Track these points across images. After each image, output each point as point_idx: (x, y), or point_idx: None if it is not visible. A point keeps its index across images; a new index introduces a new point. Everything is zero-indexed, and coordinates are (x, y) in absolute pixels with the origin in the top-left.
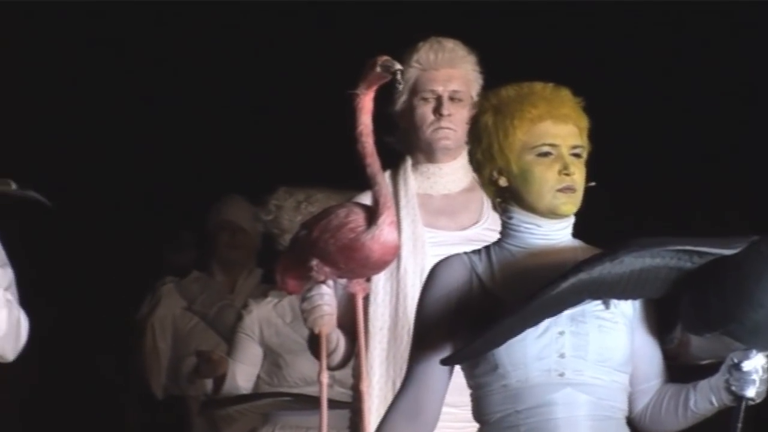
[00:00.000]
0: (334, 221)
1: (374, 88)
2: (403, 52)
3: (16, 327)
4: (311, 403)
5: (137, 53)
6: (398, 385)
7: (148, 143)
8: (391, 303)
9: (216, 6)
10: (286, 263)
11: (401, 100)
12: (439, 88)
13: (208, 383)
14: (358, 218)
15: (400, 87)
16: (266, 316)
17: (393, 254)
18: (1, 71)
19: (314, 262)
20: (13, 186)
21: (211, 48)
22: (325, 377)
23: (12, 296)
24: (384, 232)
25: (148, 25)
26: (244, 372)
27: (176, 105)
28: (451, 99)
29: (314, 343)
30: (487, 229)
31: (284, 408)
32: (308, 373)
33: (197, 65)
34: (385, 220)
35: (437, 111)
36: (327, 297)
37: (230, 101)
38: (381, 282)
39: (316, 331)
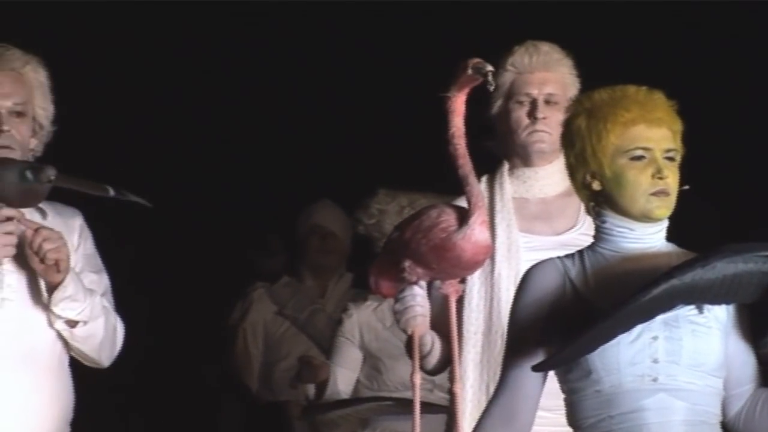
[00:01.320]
0: (426, 221)
1: (466, 90)
2: (499, 54)
3: (113, 334)
4: (411, 407)
5: (227, 59)
6: (492, 389)
7: (239, 148)
8: (486, 308)
9: (311, 7)
10: (380, 265)
11: (497, 104)
12: (534, 92)
13: (310, 388)
14: (450, 218)
15: (492, 89)
16: (366, 320)
17: (485, 254)
18: (97, 76)
19: (407, 263)
20: (111, 192)
21: (301, 51)
22: (418, 378)
23: (108, 303)
24: (475, 231)
25: (239, 27)
26: (345, 376)
27: (266, 109)
28: (547, 102)
29: (410, 345)
30: (582, 234)
31: (385, 412)
32: (408, 378)
33: (287, 69)
34: (477, 219)
35: (532, 114)
36: (419, 298)
37: (321, 104)
38: (476, 287)
39: (409, 331)
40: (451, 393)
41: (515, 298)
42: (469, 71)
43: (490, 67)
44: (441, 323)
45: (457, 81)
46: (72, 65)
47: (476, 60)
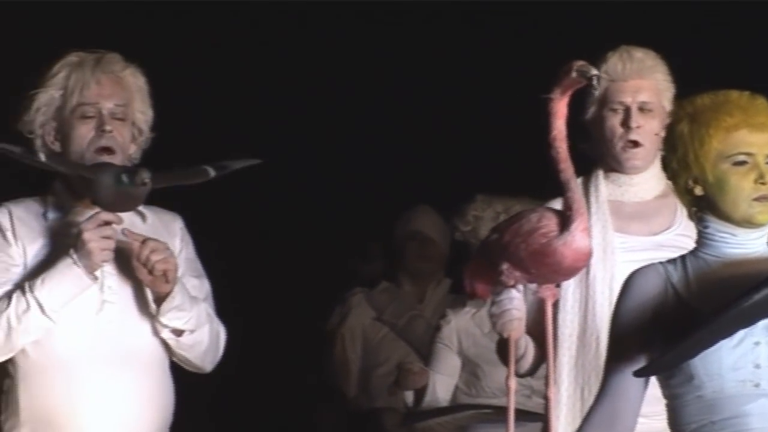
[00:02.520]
0: (526, 226)
1: (569, 93)
2: (595, 58)
3: (216, 340)
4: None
5: (329, 68)
6: (586, 392)
7: (339, 154)
8: (581, 310)
9: (420, 15)
10: (476, 267)
11: (591, 111)
12: (628, 99)
13: (409, 395)
14: (551, 223)
15: (596, 92)
16: (464, 326)
17: (585, 261)
18: (209, 79)
19: (505, 267)
20: (212, 172)
21: (404, 58)
22: (513, 382)
23: (210, 308)
24: (576, 238)
25: (349, 33)
26: (443, 383)
27: (367, 116)
28: (641, 110)
29: (503, 348)
30: (679, 234)
31: (483, 420)
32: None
33: (389, 76)
34: (578, 226)
35: (626, 123)
36: (516, 302)
37: (421, 110)
38: (570, 288)
39: (505, 335)
40: (546, 397)
41: (617, 303)
42: (574, 74)
43: (594, 71)
44: (535, 326)
45: (561, 83)
46: (166, 68)
47: (581, 63)
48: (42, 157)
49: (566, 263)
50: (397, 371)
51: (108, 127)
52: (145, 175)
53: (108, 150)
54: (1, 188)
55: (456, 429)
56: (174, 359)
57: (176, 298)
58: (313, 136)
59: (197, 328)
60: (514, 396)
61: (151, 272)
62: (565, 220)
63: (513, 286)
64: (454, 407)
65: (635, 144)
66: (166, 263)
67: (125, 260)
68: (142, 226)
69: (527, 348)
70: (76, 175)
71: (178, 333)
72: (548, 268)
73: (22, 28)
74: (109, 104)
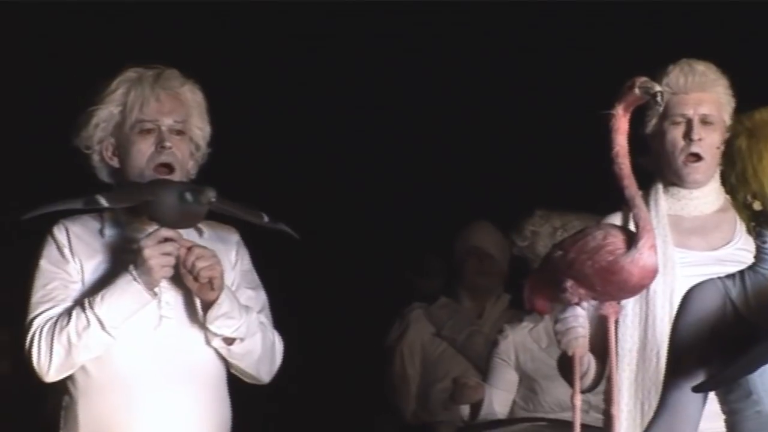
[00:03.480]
0: (592, 243)
1: (631, 109)
2: (656, 73)
3: (271, 350)
4: (566, 428)
5: (384, 84)
6: (646, 407)
7: (396, 170)
8: (641, 325)
9: (475, 29)
10: (536, 283)
11: (651, 123)
12: (690, 112)
13: (465, 409)
14: (617, 240)
15: (660, 109)
16: (522, 341)
17: (651, 278)
18: (264, 93)
19: (569, 284)
20: (265, 218)
21: (458, 73)
22: (578, 400)
23: (266, 319)
24: (644, 255)
25: (399, 50)
26: (500, 398)
27: (424, 131)
28: (702, 123)
29: (565, 365)
30: (739, 249)
31: None
32: (564, 399)
33: (445, 92)
34: (645, 243)
35: (687, 135)
36: (581, 319)
37: (479, 125)
38: (630, 303)
39: (570, 353)
40: (608, 415)
41: (676, 318)
42: (636, 91)
43: (658, 87)
44: (597, 342)
45: (623, 99)
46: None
47: (643, 79)
48: (103, 202)
49: (633, 281)
50: (453, 385)
51: (167, 143)
52: (211, 194)
53: (167, 166)
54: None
55: None
56: (232, 371)
57: (223, 305)
58: (374, 151)
59: (247, 337)
60: (579, 413)
61: (196, 279)
62: (631, 237)
63: (577, 304)
64: (509, 420)
65: (697, 157)
66: (212, 270)
67: (181, 275)
68: (199, 241)
69: (590, 365)
70: (140, 203)
71: (229, 341)
72: (614, 286)
73: (81, 44)
74: (168, 120)
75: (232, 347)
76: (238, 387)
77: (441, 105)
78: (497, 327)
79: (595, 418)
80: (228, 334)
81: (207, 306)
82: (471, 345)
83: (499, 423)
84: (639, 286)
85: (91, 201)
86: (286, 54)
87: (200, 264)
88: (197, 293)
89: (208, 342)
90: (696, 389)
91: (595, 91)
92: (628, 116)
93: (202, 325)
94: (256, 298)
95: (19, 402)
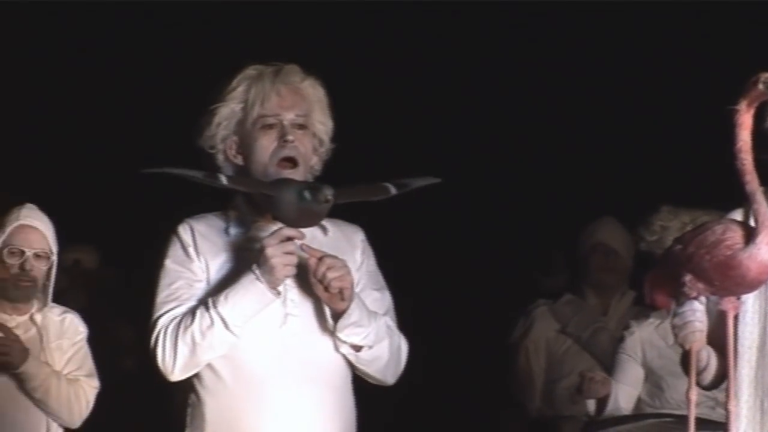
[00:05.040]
0: (711, 237)
1: (755, 105)
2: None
3: (397, 354)
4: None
5: (498, 81)
6: (766, 404)
7: (521, 168)
8: (760, 322)
9: (598, 25)
10: (656, 277)
11: None
12: None
13: (591, 404)
14: (735, 235)
15: None
16: (648, 338)
17: None
18: (388, 89)
19: (687, 278)
20: (393, 190)
21: (585, 71)
22: (694, 394)
23: (391, 321)
24: (762, 251)
25: (502, 48)
26: (626, 393)
27: (548, 129)
28: None
29: (686, 360)
30: None
31: (665, 429)
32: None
33: (571, 88)
34: (764, 239)
35: None
36: (699, 314)
37: (602, 122)
38: (750, 300)
39: (687, 347)
40: (726, 410)
41: None
42: (760, 86)
43: None
44: (716, 338)
45: (747, 95)
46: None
47: (767, 75)
48: (223, 180)
49: (750, 276)
50: (580, 379)
51: (290, 137)
52: (328, 192)
53: (291, 160)
54: (183, 203)
55: None
56: (356, 373)
57: (353, 314)
58: (497, 147)
59: (376, 344)
60: (695, 408)
61: (327, 289)
62: (750, 232)
63: (695, 298)
64: (636, 416)
65: None
66: (343, 281)
67: (306, 274)
68: (324, 239)
69: (710, 360)
70: (258, 194)
71: (357, 348)
72: (732, 281)
73: (204, 45)
74: (290, 115)
75: (360, 354)
76: (361, 386)
77: (569, 103)
78: (622, 324)
79: (721, 415)
80: (357, 342)
81: (337, 315)
82: (596, 342)
83: (626, 419)
84: (757, 282)
85: (211, 176)
86: (414, 52)
87: (331, 274)
88: (327, 302)
89: (332, 340)
90: None
91: (718, 88)
92: (751, 112)
93: (326, 324)
94: (381, 299)
95: (144, 400)
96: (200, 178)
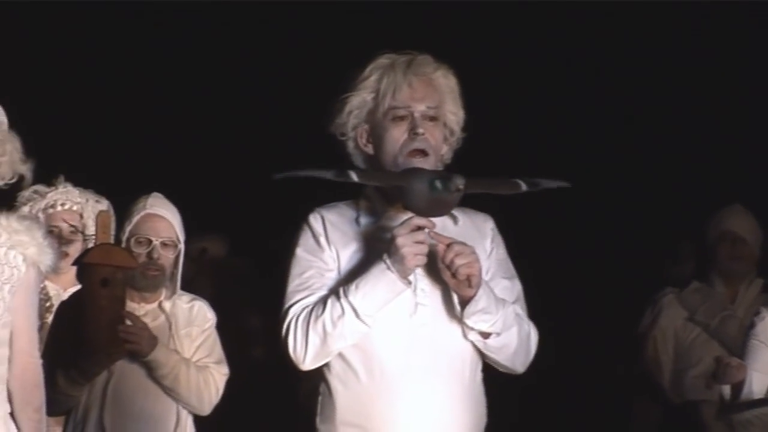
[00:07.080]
0: None
1: None
2: None
3: (526, 341)
4: None
5: (629, 75)
6: None
7: (649, 158)
8: None
9: (707, 29)
10: None
11: None
12: None
13: (726, 389)
14: None
15: None
16: None
17: None
18: (523, 84)
19: None
20: (523, 186)
21: (694, 62)
22: None
23: (521, 309)
24: None
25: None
26: (758, 380)
27: (676, 120)
28: None
29: None
30: None
31: None
32: None
33: (697, 78)
34: None
35: None
36: None
37: (728, 111)
38: None
39: None
40: None
41: None
42: None
43: None
44: None
45: None
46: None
47: None
48: (354, 176)
49: None
50: (715, 365)
51: (420, 130)
52: (459, 182)
53: (421, 152)
54: (316, 193)
55: None
56: (486, 361)
57: (480, 301)
58: (629, 139)
59: (504, 331)
60: None
61: (454, 275)
62: None
63: None
64: None
65: None
66: (470, 268)
67: (436, 262)
68: (454, 228)
69: None
70: (390, 186)
71: (485, 335)
72: None
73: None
74: (421, 107)
75: (488, 341)
76: (489, 374)
77: (695, 92)
78: (751, 311)
79: None
80: (485, 329)
81: (464, 301)
82: (725, 330)
83: (763, 401)
84: None
85: (341, 173)
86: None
87: (459, 261)
88: (454, 289)
89: (461, 330)
90: None
91: None
92: None
93: (456, 313)
94: (511, 288)
95: (273, 388)
96: (331, 176)
